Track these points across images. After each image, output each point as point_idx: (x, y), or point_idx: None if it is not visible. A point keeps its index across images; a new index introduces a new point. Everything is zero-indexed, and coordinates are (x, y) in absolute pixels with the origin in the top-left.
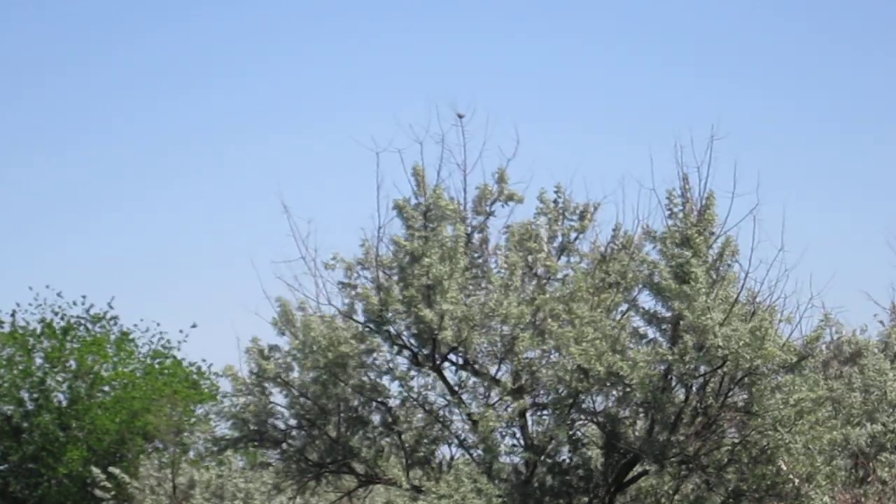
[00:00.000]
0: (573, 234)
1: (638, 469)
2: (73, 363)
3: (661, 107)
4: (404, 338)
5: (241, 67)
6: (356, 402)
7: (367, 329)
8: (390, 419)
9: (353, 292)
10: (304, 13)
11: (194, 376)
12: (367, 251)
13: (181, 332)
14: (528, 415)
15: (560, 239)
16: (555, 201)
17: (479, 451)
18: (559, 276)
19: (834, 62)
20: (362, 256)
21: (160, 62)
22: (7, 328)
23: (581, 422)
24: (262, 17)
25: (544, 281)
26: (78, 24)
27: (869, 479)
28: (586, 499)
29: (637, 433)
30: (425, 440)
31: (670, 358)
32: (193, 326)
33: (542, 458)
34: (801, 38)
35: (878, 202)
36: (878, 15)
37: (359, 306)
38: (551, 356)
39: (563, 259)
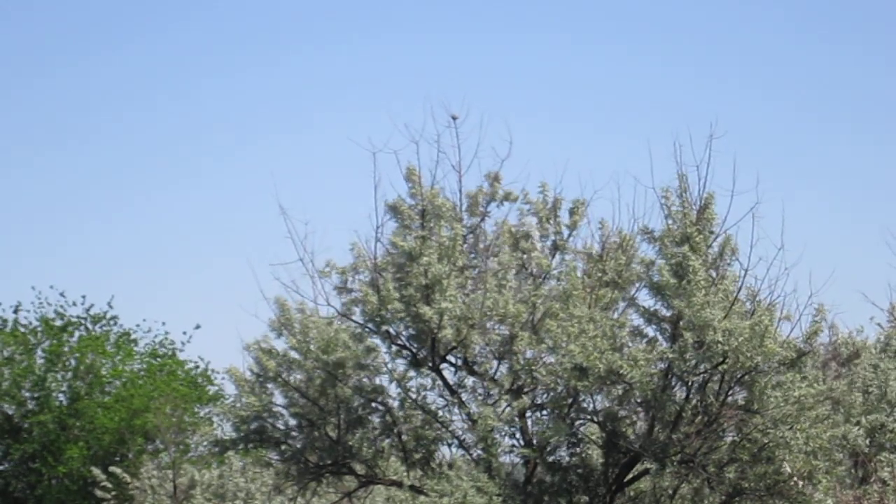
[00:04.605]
0: (565, 232)
1: (638, 468)
2: (73, 362)
3: (660, 105)
4: (403, 338)
5: (240, 69)
6: (356, 403)
7: (365, 330)
8: (390, 420)
9: (350, 296)
10: (299, 15)
11: (199, 379)
12: (358, 255)
13: (184, 333)
14: (527, 414)
15: (552, 237)
16: (543, 200)
17: (479, 451)
18: (554, 274)
19: (834, 62)
20: (355, 260)
21: (160, 63)
22: (10, 326)
23: (581, 421)
24: (258, 18)
25: (540, 280)
26: (78, 24)
27: (871, 480)
28: (586, 498)
29: (637, 432)
30: (424, 440)
31: (670, 356)
32: (197, 328)
33: (542, 457)
34: (800, 38)
35: (878, 202)
36: (878, 15)
37: (357, 308)
38: (549, 355)
39: (558, 257)
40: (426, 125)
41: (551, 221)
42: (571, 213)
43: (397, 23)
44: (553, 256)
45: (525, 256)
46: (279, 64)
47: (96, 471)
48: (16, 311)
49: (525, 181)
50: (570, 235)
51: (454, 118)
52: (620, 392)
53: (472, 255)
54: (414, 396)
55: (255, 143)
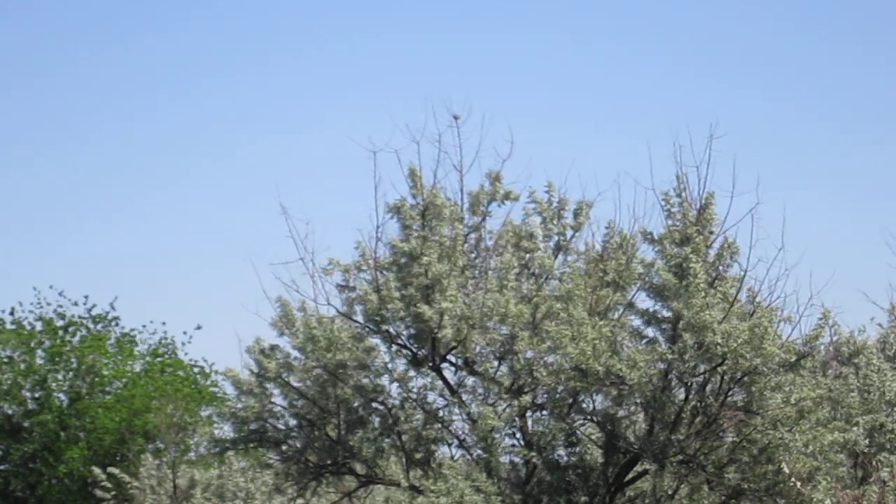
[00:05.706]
0: (568, 233)
1: (638, 468)
2: (74, 361)
3: (660, 105)
4: (403, 338)
5: (240, 69)
6: (356, 403)
7: (366, 329)
8: (390, 420)
9: (351, 294)
10: (300, 14)
11: (199, 378)
12: (362, 252)
13: (185, 333)
14: (527, 414)
15: (555, 238)
16: (548, 200)
17: (479, 451)
18: (556, 274)
19: (834, 62)
20: (359, 259)
21: (160, 63)
22: (10, 326)
23: (580, 421)
24: (259, 18)
25: (542, 280)
26: (77, 23)
27: (871, 480)
28: (586, 498)
29: (637, 433)
30: (425, 440)
31: (670, 357)
32: (198, 328)
33: (542, 456)
34: (800, 38)
35: (878, 202)
36: (878, 15)
37: (358, 307)
38: (549, 356)
39: (560, 258)
40: (427, 125)
41: (555, 222)
42: (576, 214)
43: (397, 23)
44: (556, 257)
45: (528, 256)
46: (279, 64)
47: (97, 470)
48: (12, 314)
49: (526, 181)
50: (573, 236)
51: (456, 118)
52: (618, 393)
53: (474, 255)
54: (414, 396)
55: (256, 143)
